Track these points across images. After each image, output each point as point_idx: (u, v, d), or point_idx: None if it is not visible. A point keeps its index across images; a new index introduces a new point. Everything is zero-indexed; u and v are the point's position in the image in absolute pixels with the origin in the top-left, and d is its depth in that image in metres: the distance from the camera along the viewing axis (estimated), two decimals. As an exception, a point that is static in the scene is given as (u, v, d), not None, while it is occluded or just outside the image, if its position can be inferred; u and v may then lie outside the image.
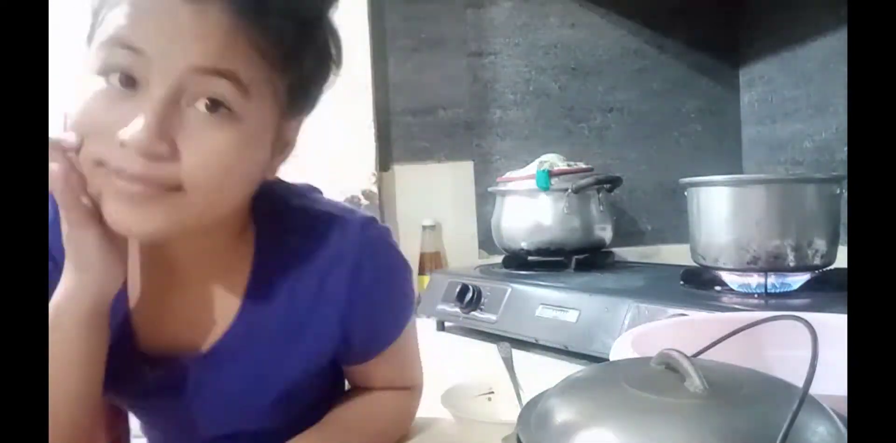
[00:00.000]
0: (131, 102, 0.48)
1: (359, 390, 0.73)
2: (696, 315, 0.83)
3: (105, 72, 0.48)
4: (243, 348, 0.62)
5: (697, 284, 1.06)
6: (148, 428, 0.76)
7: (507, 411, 0.72)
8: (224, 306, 0.62)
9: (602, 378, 0.45)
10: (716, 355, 0.48)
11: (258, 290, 0.62)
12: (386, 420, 0.71)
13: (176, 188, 0.49)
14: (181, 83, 0.47)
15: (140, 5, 0.48)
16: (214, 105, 0.48)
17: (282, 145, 0.58)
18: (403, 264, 0.68)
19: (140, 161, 0.47)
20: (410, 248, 1.53)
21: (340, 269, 0.62)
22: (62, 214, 0.52)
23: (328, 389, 0.73)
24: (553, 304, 1.06)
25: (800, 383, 0.37)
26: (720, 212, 1.02)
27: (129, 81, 0.48)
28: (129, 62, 0.47)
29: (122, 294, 0.61)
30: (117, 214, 0.50)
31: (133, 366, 0.62)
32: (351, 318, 0.63)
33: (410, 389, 0.74)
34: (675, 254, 1.51)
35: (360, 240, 0.63)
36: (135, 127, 0.46)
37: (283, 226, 0.63)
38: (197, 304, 0.62)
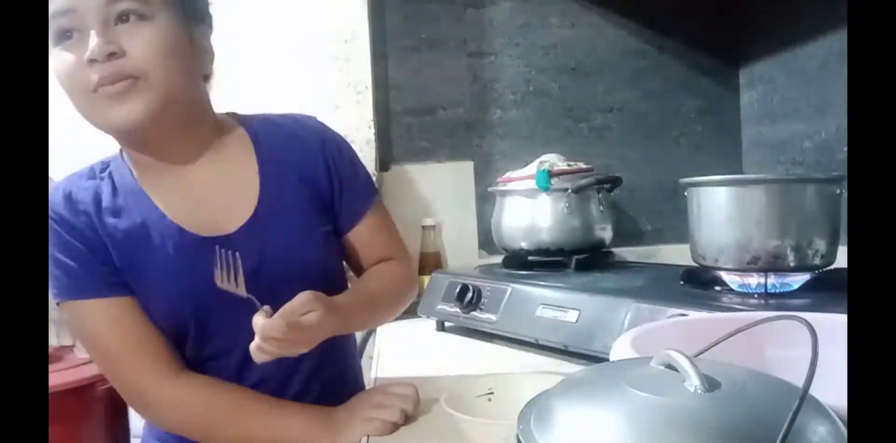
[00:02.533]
0: (80, 43, 0.72)
1: (369, 270, 0.93)
2: (696, 315, 0.83)
3: (58, 37, 0.72)
4: (274, 217, 0.82)
5: (697, 284, 1.06)
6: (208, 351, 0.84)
7: (507, 411, 0.72)
8: (247, 192, 0.83)
9: (602, 378, 0.45)
10: (716, 355, 0.48)
11: (268, 174, 0.84)
12: (398, 279, 0.93)
13: (136, 76, 0.71)
14: (102, 13, 0.71)
15: None
16: (127, 15, 0.72)
17: (201, 51, 0.80)
18: (346, 141, 0.94)
19: (104, 67, 0.70)
20: (410, 248, 1.52)
21: (314, 150, 0.87)
22: None
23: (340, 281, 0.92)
24: (553, 304, 1.06)
25: (800, 383, 0.37)
26: (720, 212, 1.02)
27: (69, 34, 0.72)
28: (70, 21, 0.71)
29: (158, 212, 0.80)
30: (111, 113, 0.72)
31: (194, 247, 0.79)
32: (333, 182, 0.87)
33: (405, 259, 0.98)
34: (675, 254, 1.51)
35: (315, 128, 0.90)
36: (91, 46, 0.70)
37: (267, 128, 0.88)
38: (223, 192, 0.83)
